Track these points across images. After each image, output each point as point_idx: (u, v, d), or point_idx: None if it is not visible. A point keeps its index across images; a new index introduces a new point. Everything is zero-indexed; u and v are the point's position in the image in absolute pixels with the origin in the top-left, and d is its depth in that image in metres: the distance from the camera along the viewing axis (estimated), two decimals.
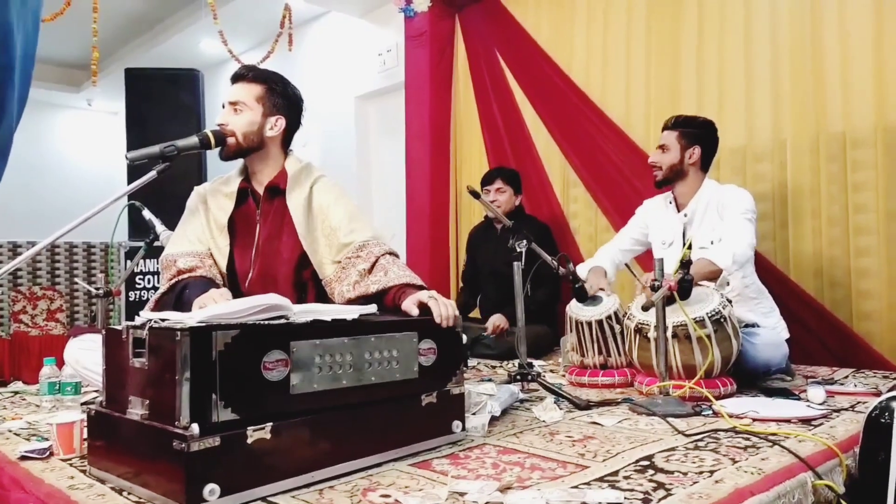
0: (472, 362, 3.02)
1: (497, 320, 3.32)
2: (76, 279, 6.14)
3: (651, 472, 1.37)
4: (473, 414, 1.76)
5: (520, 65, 3.97)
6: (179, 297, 1.86)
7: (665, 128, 2.70)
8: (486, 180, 3.59)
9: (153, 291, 4.73)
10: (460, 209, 4.34)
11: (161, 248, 2.14)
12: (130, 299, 4.79)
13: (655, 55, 3.37)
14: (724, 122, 3.09)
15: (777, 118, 2.96)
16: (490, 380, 2.34)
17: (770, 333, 2.40)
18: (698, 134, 2.64)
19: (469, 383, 1.91)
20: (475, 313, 3.73)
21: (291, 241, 1.98)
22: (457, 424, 1.63)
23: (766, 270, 2.78)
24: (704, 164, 2.65)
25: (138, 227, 4.14)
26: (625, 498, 1.21)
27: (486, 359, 3.16)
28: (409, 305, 1.69)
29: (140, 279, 4.83)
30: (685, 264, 2.08)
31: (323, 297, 1.99)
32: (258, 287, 1.93)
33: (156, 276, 4.84)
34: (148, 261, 4.79)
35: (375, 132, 5.35)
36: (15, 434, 1.80)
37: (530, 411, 1.96)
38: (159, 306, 1.91)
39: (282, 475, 1.29)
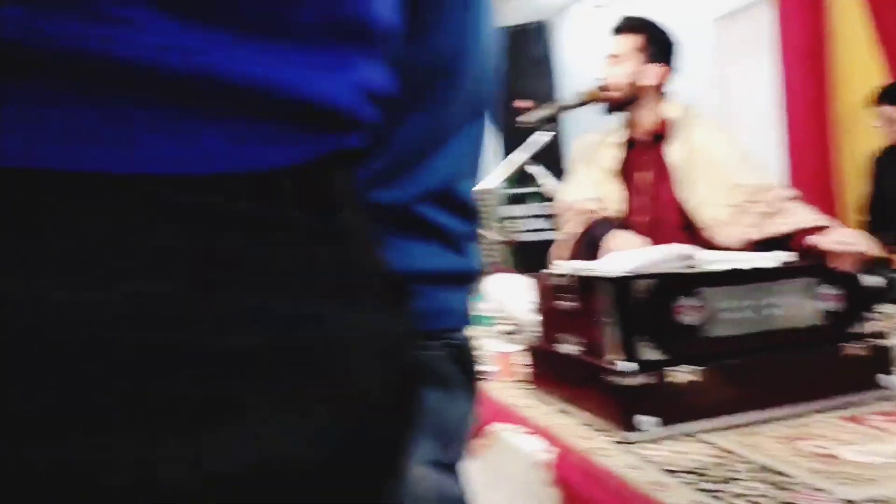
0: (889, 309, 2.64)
1: None
2: None
3: None
4: None
5: None
6: (592, 238, 2.03)
7: None
8: None
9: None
10: (841, 134, 3.84)
11: None
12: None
13: None
14: None
15: None
16: None
17: None
18: None
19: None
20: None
21: (673, 187, 2.03)
22: (885, 379, 1.53)
23: None
24: None
25: None
26: None
27: None
28: (821, 240, 1.63)
29: None
30: None
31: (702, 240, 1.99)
32: (649, 232, 2.03)
33: None
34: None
35: (737, 55, 4.97)
36: None
37: None
38: (580, 247, 2.08)
39: (702, 414, 1.38)
